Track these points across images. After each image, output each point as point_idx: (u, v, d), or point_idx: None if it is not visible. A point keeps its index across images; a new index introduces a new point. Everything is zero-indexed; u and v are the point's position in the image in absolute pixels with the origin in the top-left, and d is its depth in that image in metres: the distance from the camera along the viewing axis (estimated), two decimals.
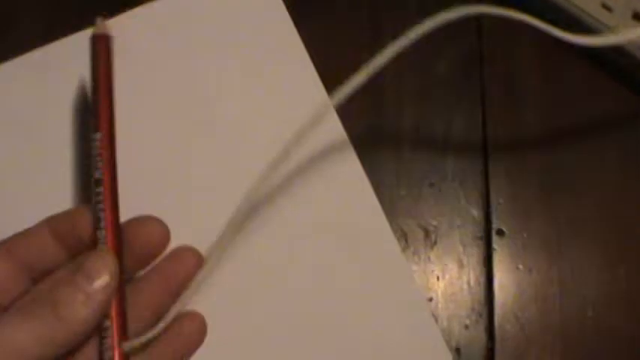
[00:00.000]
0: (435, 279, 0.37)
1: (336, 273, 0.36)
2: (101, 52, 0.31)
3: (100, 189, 0.28)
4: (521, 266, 0.37)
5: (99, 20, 0.32)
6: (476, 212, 0.38)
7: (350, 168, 0.38)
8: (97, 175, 0.29)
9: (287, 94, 0.39)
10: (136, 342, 0.29)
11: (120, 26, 0.35)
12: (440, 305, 0.37)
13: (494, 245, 0.37)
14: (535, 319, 0.36)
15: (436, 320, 0.36)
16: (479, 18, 0.39)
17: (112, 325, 0.28)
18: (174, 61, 0.39)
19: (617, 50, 0.37)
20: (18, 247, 0.29)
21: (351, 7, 0.40)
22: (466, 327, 0.37)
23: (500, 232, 0.37)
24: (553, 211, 0.38)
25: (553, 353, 0.36)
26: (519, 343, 0.36)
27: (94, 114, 0.29)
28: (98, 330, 0.28)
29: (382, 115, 0.39)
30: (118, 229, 0.29)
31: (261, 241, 0.36)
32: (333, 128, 0.38)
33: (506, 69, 0.39)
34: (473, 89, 0.39)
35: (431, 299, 0.37)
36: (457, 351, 0.36)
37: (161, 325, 0.29)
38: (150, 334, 0.29)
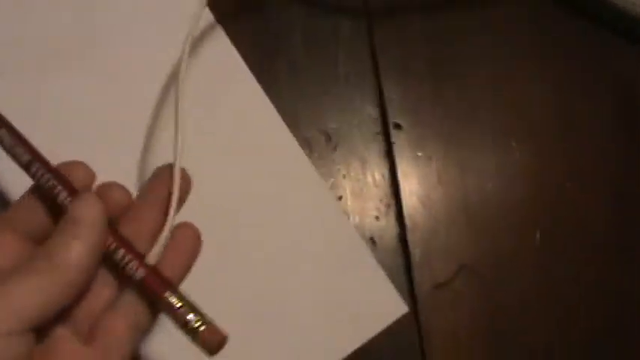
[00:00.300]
0: (342, 178, 0.38)
1: (252, 188, 0.37)
2: None
3: (35, 166, 0.28)
4: (420, 154, 0.39)
5: None
6: (372, 110, 0.39)
7: (248, 89, 0.38)
8: (24, 159, 0.28)
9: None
10: (156, 250, 0.28)
11: None
12: (349, 202, 0.38)
13: (393, 139, 0.39)
14: (440, 200, 0.38)
15: (348, 216, 0.38)
16: None
17: (124, 249, 0.27)
18: None
19: None
20: (16, 217, 0.29)
21: None
22: (377, 218, 0.38)
23: (397, 126, 0.39)
24: (445, 100, 0.39)
25: (460, 226, 0.38)
26: (428, 224, 0.38)
27: None
28: (115, 265, 0.27)
29: (270, 31, 0.40)
30: (69, 183, 0.28)
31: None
32: (225, 50, 0.38)
33: None
34: None
35: (340, 197, 0.38)
36: (371, 240, 0.38)
37: (166, 232, 0.28)
38: (162, 240, 0.28)
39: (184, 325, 0.27)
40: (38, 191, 0.29)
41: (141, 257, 0.27)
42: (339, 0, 0.41)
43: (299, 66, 0.40)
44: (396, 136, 0.39)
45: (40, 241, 0.27)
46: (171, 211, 0.29)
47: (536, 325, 0.38)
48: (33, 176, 0.28)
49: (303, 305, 0.37)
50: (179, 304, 0.27)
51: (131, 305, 0.27)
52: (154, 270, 0.27)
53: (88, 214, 0.27)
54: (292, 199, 0.38)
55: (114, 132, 0.37)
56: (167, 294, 0.27)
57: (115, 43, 0.38)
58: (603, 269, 0.39)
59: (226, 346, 0.26)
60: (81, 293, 0.27)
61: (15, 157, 0.28)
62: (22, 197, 0.29)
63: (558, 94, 0.40)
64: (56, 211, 0.28)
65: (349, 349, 0.37)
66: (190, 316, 0.27)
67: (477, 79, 0.40)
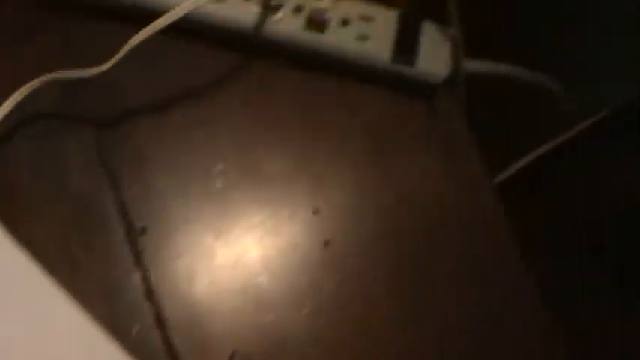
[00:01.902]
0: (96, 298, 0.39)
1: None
2: None
3: None
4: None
5: None
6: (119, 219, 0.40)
7: None
8: None
9: None
10: None
11: None
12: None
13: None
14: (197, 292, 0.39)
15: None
16: None
17: None
18: None
19: None
20: None
21: None
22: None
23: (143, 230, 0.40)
24: (183, 205, 0.40)
25: (222, 313, 0.39)
26: (189, 317, 0.39)
27: None
28: None
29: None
30: None
31: None
32: None
33: None
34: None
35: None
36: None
37: None
38: None
39: None
40: None
41: None
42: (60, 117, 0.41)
43: (36, 199, 0.40)
44: (143, 239, 0.40)
45: None
46: None
47: None
48: None
49: None
50: None
51: None
52: None
53: None
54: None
55: None
56: None
57: None
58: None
59: None
60: None
61: None
62: None
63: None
64: None
65: None
66: None
67: (219, 158, 0.41)
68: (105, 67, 0.38)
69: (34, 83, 0.37)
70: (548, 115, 0.55)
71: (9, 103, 0.37)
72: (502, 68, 0.47)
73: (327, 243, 0.41)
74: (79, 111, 0.41)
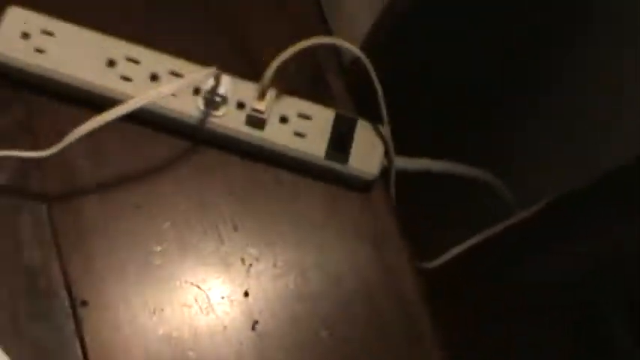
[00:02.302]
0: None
1: None
2: None
3: None
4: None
5: None
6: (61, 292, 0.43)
7: None
8: None
9: None
10: None
11: None
12: None
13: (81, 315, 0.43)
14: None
15: None
16: None
17: None
18: None
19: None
20: None
21: None
22: None
23: (84, 303, 0.43)
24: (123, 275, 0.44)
25: None
26: None
27: None
28: None
29: None
30: None
31: None
32: None
33: None
34: None
35: None
36: None
37: None
38: None
39: None
40: None
41: None
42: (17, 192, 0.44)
43: None
44: (83, 311, 0.43)
45: None
46: None
47: None
48: None
49: None
50: None
51: None
52: None
53: None
54: None
55: None
56: None
57: None
58: None
59: None
60: None
61: None
62: None
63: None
64: None
65: None
66: None
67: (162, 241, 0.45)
68: (56, 149, 0.41)
69: None
70: (486, 205, 0.58)
71: None
72: (434, 165, 0.51)
73: (255, 323, 0.44)
74: (32, 187, 0.45)
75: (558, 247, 0.58)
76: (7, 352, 0.41)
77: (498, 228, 0.58)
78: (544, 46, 0.52)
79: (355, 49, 0.45)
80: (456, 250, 0.55)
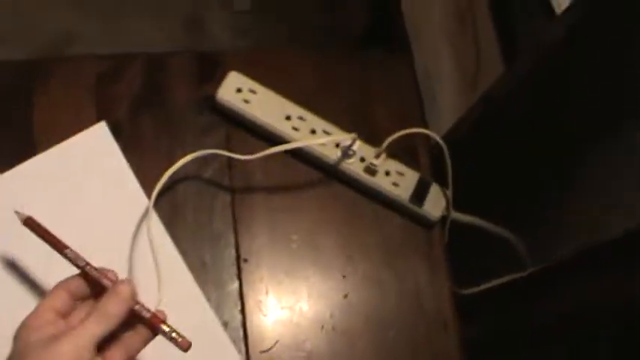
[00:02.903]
0: (212, 288, 0.68)
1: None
2: (34, 225, 0.57)
3: (87, 267, 0.55)
4: (257, 276, 0.69)
5: (18, 215, 0.57)
6: (231, 250, 0.70)
7: (164, 240, 0.69)
8: (80, 264, 0.55)
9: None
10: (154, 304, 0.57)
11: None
12: (213, 305, 0.68)
13: (242, 266, 0.69)
14: (269, 309, 0.68)
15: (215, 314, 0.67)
16: None
17: (141, 306, 0.53)
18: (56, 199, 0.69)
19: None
20: (71, 283, 0.54)
21: (155, 139, 0.72)
22: (227, 322, 0.68)
23: (245, 260, 0.70)
24: (277, 243, 0.70)
25: (276, 319, 0.68)
26: (259, 318, 0.68)
27: (59, 249, 0.55)
28: (136, 316, 0.53)
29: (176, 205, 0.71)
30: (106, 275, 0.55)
31: None
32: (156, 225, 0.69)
33: None
34: None
35: (208, 298, 0.68)
36: (225, 324, 0.67)
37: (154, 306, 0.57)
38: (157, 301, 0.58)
39: (171, 339, 0.53)
40: (84, 277, 0.54)
41: (147, 309, 0.54)
42: (215, 184, 0.72)
43: (194, 226, 0.70)
44: (244, 265, 0.70)
45: (77, 296, 0.54)
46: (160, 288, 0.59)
47: None
48: (84, 271, 0.54)
49: None
50: (167, 329, 0.53)
51: (130, 339, 0.54)
52: (154, 314, 0.54)
53: (124, 291, 0.52)
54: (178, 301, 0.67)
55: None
56: (162, 324, 0.53)
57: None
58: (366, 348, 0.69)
59: None
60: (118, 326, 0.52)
61: (75, 264, 0.54)
62: (75, 275, 0.54)
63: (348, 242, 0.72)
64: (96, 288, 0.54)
65: None
66: (174, 334, 0.53)
67: (294, 234, 0.71)
68: (254, 157, 0.68)
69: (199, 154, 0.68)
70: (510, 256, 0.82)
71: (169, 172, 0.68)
72: (476, 221, 0.76)
73: (345, 295, 0.70)
74: (225, 182, 0.72)
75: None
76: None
77: (513, 276, 0.82)
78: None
79: (437, 138, 0.72)
80: (484, 286, 0.80)
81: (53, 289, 0.54)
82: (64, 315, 0.53)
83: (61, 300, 0.53)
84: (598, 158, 0.72)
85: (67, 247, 0.56)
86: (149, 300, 0.55)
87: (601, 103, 0.68)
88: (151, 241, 0.62)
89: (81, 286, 0.54)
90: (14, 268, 0.66)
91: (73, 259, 0.55)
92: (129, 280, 0.54)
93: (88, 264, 0.55)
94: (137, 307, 0.54)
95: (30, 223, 0.57)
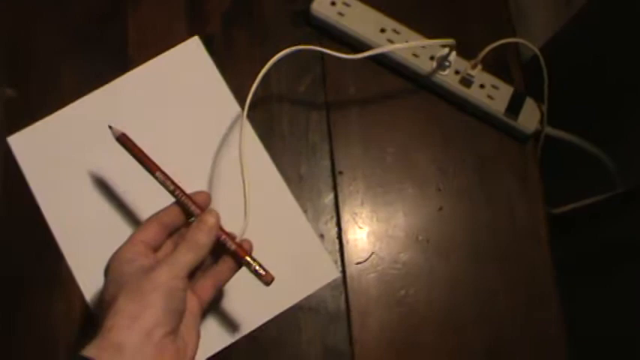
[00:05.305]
0: (307, 200, 0.69)
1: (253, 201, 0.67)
2: (128, 142, 0.56)
3: (177, 192, 0.55)
4: (352, 188, 0.69)
5: (112, 130, 0.55)
6: (326, 162, 0.70)
7: (261, 156, 0.69)
8: (171, 188, 0.55)
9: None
10: (239, 235, 0.56)
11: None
12: (310, 215, 0.68)
13: (337, 179, 0.69)
14: (363, 217, 0.69)
15: (309, 221, 0.68)
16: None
17: (226, 237, 0.54)
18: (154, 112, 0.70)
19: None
20: (162, 215, 0.55)
21: (248, 53, 0.72)
22: (325, 223, 0.68)
23: (340, 172, 0.70)
24: (369, 156, 0.70)
25: (372, 230, 0.68)
26: (354, 228, 0.68)
27: (151, 170, 0.55)
28: (222, 246, 0.54)
29: (272, 115, 0.71)
30: (195, 201, 0.55)
31: None
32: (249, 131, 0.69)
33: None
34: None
35: (305, 211, 0.68)
36: (321, 236, 0.68)
37: (244, 227, 0.57)
38: (242, 231, 0.57)
39: (254, 273, 0.54)
40: (177, 206, 0.55)
41: (233, 238, 0.55)
42: (310, 98, 0.72)
43: (290, 138, 0.70)
44: (339, 178, 0.70)
45: (168, 229, 0.55)
46: (246, 217, 0.58)
47: (415, 287, 0.68)
48: (175, 197, 0.54)
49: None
50: (251, 262, 0.54)
51: (218, 270, 0.55)
52: (239, 244, 0.54)
53: (211, 221, 0.53)
54: (270, 203, 0.68)
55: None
56: (246, 257, 0.54)
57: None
58: (460, 262, 0.69)
59: None
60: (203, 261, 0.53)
61: (164, 186, 0.55)
62: (168, 207, 0.55)
63: (442, 155, 0.71)
64: (186, 216, 0.55)
65: (299, 297, 0.65)
66: (257, 267, 0.54)
67: (389, 147, 0.71)
68: (359, 56, 0.67)
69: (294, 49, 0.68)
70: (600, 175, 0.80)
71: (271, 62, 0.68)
72: (569, 137, 0.75)
73: (440, 209, 0.70)
74: (318, 98, 0.72)
75: None
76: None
77: (604, 196, 0.80)
78: None
79: (535, 48, 0.70)
80: (574, 205, 0.79)
81: (146, 222, 0.54)
82: (155, 248, 0.54)
83: (153, 233, 0.54)
84: None
85: (158, 169, 0.55)
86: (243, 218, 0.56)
87: None
88: (240, 150, 0.63)
89: (173, 219, 0.55)
90: (105, 189, 0.68)
91: (163, 181, 0.55)
92: (214, 211, 0.54)
93: (178, 188, 0.55)
94: (223, 237, 0.54)
95: (124, 140, 0.56)
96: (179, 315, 0.50)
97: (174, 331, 0.49)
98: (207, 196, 0.57)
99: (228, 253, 0.55)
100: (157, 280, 0.49)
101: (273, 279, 0.54)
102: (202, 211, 0.55)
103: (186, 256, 0.51)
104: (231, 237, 0.55)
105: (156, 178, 0.55)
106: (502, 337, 0.66)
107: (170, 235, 0.56)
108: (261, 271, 0.54)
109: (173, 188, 0.55)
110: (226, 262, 0.55)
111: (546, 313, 0.67)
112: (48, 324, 0.65)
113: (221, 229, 0.55)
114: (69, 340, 0.64)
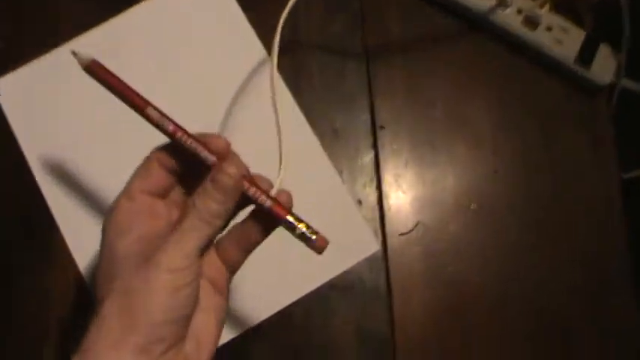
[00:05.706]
0: (343, 159, 0.59)
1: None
2: (100, 71, 0.39)
3: (178, 133, 0.39)
4: (395, 147, 0.59)
5: (77, 57, 0.39)
6: (366, 116, 0.60)
7: (288, 100, 0.58)
8: (170, 128, 0.39)
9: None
10: (275, 189, 0.40)
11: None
12: (345, 176, 0.58)
13: (378, 135, 0.59)
14: (406, 179, 0.58)
15: (343, 182, 0.58)
16: None
17: (256, 190, 0.39)
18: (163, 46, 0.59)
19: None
20: (161, 156, 0.40)
21: None
22: (364, 186, 0.58)
23: (381, 127, 0.59)
24: (414, 111, 0.60)
25: (417, 196, 0.58)
26: (397, 193, 0.58)
27: (137, 107, 0.39)
28: (250, 201, 0.39)
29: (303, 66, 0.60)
30: (205, 145, 0.39)
31: None
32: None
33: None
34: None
35: (341, 172, 0.58)
36: (359, 202, 0.58)
37: (280, 178, 0.41)
38: (278, 184, 0.41)
39: (301, 236, 0.39)
40: (177, 147, 0.39)
41: (267, 194, 0.40)
42: (345, 41, 0.61)
43: (322, 87, 0.60)
44: (380, 134, 0.59)
45: (170, 170, 0.40)
46: (281, 167, 0.43)
47: (466, 263, 0.58)
48: (176, 141, 0.39)
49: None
50: (295, 222, 0.39)
51: (246, 231, 0.41)
52: (276, 201, 0.40)
53: (231, 172, 0.38)
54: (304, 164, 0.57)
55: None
56: (289, 216, 0.39)
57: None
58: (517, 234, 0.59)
59: None
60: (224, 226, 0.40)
61: (161, 128, 0.39)
62: (166, 144, 0.40)
63: (498, 109, 0.61)
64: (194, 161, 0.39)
65: (332, 274, 0.56)
66: (305, 230, 0.39)
67: (437, 99, 0.61)
68: None
69: None
70: None
71: None
72: None
73: (495, 172, 0.60)
74: (356, 45, 0.61)
75: None
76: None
77: None
78: None
79: None
80: None
81: (145, 161, 0.41)
82: (163, 195, 0.41)
83: (156, 178, 0.40)
84: None
85: (148, 104, 0.39)
86: (269, 176, 0.42)
87: None
88: (273, 96, 0.47)
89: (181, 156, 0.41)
90: (100, 140, 0.58)
91: (157, 120, 0.39)
92: (236, 156, 0.40)
93: (178, 128, 0.39)
94: (252, 191, 0.40)
95: (94, 69, 0.39)
96: (186, 319, 0.38)
97: (178, 341, 0.38)
98: (225, 142, 0.40)
99: (262, 209, 0.40)
100: (155, 278, 0.36)
101: (327, 244, 0.40)
102: (219, 159, 0.39)
103: (194, 234, 0.38)
104: (264, 190, 0.40)
105: (147, 117, 0.39)
106: (565, 325, 0.56)
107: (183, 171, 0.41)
108: (311, 235, 0.39)
109: (172, 128, 0.39)
110: (258, 222, 0.41)
111: (619, 298, 0.57)
112: (38, 300, 0.55)
113: (249, 180, 0.39)
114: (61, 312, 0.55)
